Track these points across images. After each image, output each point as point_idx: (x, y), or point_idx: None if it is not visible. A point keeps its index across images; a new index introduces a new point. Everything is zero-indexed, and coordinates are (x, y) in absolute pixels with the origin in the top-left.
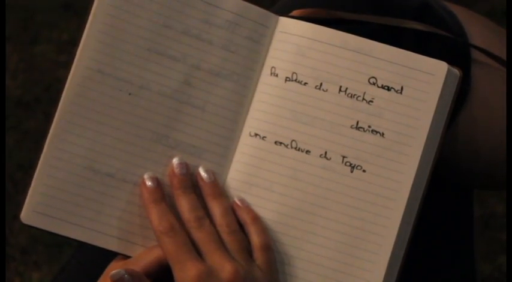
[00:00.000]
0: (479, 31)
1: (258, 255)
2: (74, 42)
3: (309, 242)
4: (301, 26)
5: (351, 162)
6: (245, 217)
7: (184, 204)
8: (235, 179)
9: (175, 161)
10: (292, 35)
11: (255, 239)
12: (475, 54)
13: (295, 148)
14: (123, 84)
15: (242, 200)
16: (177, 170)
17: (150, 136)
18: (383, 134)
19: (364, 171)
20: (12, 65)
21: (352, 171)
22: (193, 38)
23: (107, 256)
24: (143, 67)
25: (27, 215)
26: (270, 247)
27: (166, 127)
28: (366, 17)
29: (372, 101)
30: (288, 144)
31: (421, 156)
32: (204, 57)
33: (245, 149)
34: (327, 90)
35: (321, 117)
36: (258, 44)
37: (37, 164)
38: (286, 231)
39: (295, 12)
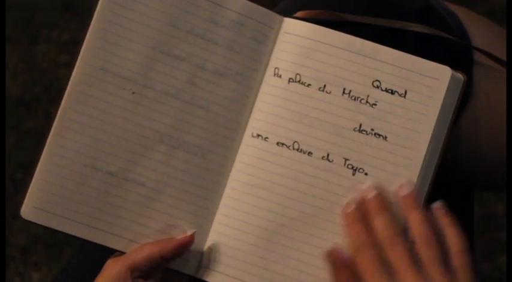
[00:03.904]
0: (480, 32)
1: (456, 259)
2: (74, 42)
3: (308, 244)
4: (306, 27)
5: (353, 165)
6: (442, 222)
7: (380, 222)
8: (237, 180)
9: (366, 187)
10: (296, 36)
11: (453, 242)
12: (477, 56)
13: (297, 149)
14: (126, 83)
15: (438, 207)
16: (369, 196)
17: (153, 135)
18: (386, 137)
19: (366, 174)
20: (12, 65)
21: (354, 174)
22: (199, 37)
23: (108, 256)
24: (147, 66)
25: (27, 210)
26: (468, 251)
27: (169, 127)
28: (370, 19)
29: (375, 104)
30: (290, 146)
31: (424, 161)
32: (209, 57)
33: (247, 149)
34: (330, 92)
35: (324, 119)
36: (262, 45)
37: (38, 161)
38: (286, 233)
39: (299, 14)
